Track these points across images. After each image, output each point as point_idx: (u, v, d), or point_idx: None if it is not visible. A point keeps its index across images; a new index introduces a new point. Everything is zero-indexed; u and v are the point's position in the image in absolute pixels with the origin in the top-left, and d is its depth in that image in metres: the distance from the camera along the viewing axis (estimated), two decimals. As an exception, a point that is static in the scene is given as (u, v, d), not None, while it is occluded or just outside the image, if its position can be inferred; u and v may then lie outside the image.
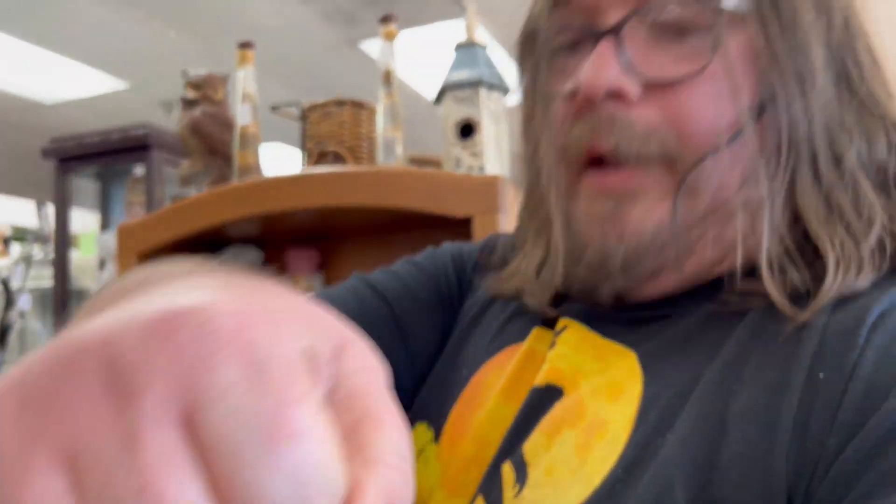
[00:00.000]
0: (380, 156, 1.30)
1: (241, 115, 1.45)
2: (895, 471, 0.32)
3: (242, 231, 1.55)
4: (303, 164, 1.42)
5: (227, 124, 1.51)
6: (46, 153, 1.71)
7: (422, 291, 0.57)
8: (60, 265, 1.71)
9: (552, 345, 0.48)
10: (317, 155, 1.36)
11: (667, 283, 0.46)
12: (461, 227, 1.08)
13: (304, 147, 1.41)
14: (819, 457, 0.35)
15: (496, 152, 1.19)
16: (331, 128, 1.37)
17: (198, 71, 1.52)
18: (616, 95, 0.42)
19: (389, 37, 1.30)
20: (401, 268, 0.60)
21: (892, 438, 0.33)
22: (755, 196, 0.43)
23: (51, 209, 1.86)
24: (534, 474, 0.43)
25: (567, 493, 0.40)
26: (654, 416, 0.40)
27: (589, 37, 0.44)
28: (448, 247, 0.62)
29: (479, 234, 1.06)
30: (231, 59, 1.46)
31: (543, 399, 0.45)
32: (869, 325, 0.37)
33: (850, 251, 0.41)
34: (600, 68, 0.42)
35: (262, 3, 3.25)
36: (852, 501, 0.33)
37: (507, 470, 0.44)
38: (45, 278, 1.83)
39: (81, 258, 1.81)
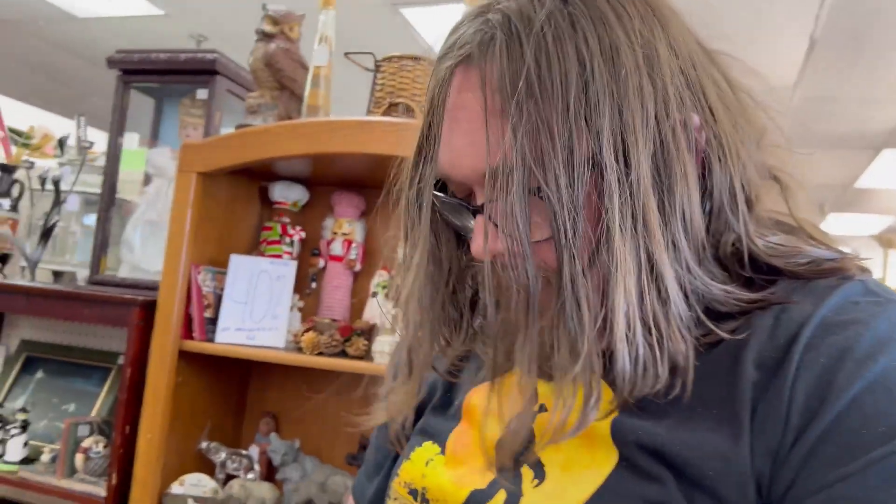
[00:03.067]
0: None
1: (318, 56, 1.49)
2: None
3: (293, 168, 1.61)
4: (367, 112, 1.48)
5: (299, 62, 1.56)
6: (112, 62, 1.75)
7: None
8: (110, 173, 1.75)
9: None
10: (387, 105, 1.41)
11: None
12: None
13: (373, 95, 1.46)
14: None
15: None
16: (403, 81, 1.42)
17: (277, 7, 1.56)
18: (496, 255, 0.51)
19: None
20: None
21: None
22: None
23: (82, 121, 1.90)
24: (551, 471, 0.52)
25: (582, 485, 0.49)
26: (630, 415, 0.50)
27: (467, 208, 0.55)
28: None
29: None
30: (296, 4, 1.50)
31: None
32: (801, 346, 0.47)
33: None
34: (478, 241, 0.51)
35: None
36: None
37: (526, 470, 0.53)
38: (88, 185, 1.88)
39: (122, 172, 1.85)
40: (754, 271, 0.51)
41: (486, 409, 0.58)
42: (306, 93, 1.50)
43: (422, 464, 0.60)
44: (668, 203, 0.47)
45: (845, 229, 7.30)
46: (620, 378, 0.48)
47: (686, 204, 0.48)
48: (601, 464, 0.49)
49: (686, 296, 0.49)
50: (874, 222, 7.05)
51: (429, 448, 0.61)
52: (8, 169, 1.83)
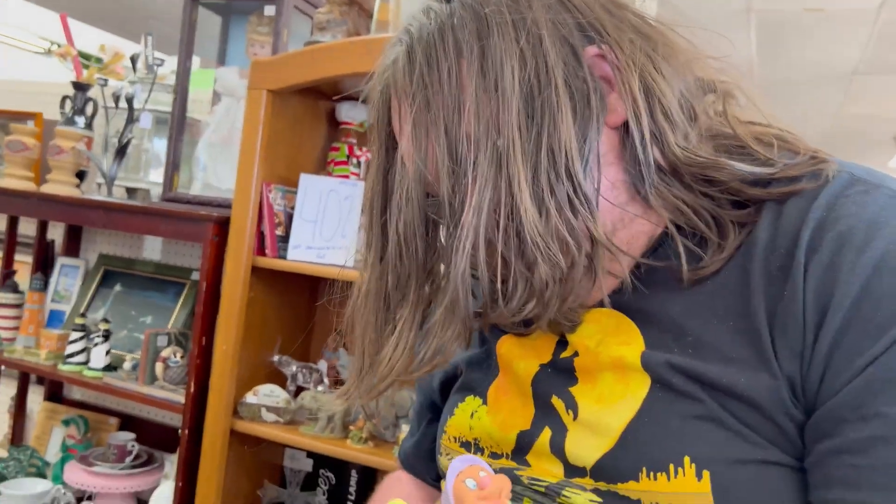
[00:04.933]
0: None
1: (388, -31, 1.45)
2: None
3: (361, 86, 1.59)
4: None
5: (369, -24, 1.52)
6: (179, -21, 1.74)
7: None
8: (181, 91, 1.77)
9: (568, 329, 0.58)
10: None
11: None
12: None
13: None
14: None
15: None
16: None
17: (346, -83, 1.51)
18: None
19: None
20: None
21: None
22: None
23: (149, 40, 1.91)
24: (584, 404, 0.54)
25: (620, 412, 0.51)
26: (666, 358, 0.51)
27: None
28: None
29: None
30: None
31: (568, 360, 0.57)
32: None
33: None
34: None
35: None
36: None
37: (557, 402, 0.56)
38: (160, 103, 1.90)
39: (191, 91, 1.86)
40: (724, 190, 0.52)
41: (514, 354, 0.60)
42: (376, 7, 1.47)
43: (467, 417, 0.62)
44: (537, 135, 0.49)
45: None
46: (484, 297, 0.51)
47: (562, 134, 0.49)
48: (635, 390, 0.51)
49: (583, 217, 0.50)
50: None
51: (471, 402, 0.63)
52: (82, 87, 1.86)
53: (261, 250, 1.54)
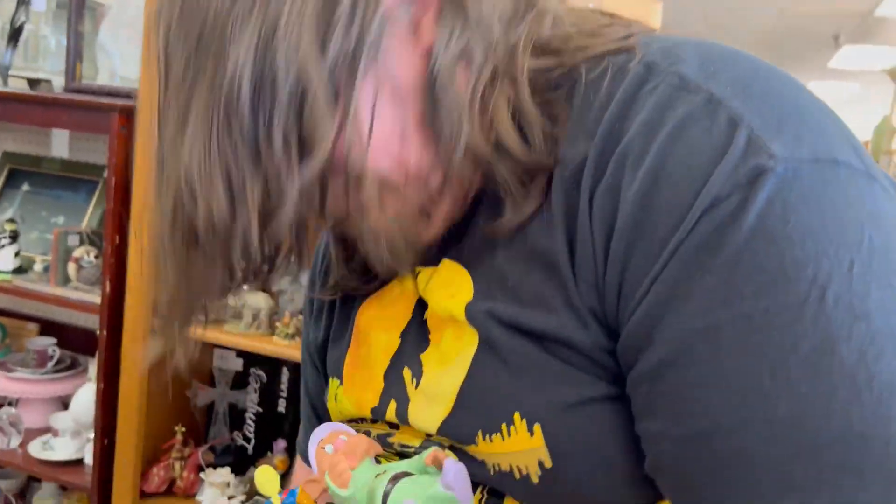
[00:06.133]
0: None
1: None
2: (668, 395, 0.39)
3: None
4: None
5: None
6: None
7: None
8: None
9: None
10: None
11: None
12: None
13: None
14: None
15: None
16: None
17: None
18: None
19: None
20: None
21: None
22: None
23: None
24: (427, 369, 0.51)
25: (452, 375, 0.48)
26: (490, 305, 0.47)
27: None
28: (307, 285, 0.70)
29: None
30: None
31: (422, 325, 0.53)
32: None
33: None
34: None
35: None
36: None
37: (406, 372, 0.52)
38: (57, -16, 1.74)
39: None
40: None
41: (374, 325, 0.57)
42: None
43: (333, 401, 0.60)
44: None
45: (857, 63, 7.04)
46: None
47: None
48: (466, 347, 0.48)
49: None
50: (890, 55, 6.78)
51: (333, 384, 0.60)
52: (-33, -35, 1.69)
53: (173, 142, 1.45)
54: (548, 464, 0.43)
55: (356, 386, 0.57)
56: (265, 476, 0.51)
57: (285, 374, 1.67)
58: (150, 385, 1.53)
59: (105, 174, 1.77)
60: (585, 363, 0.43)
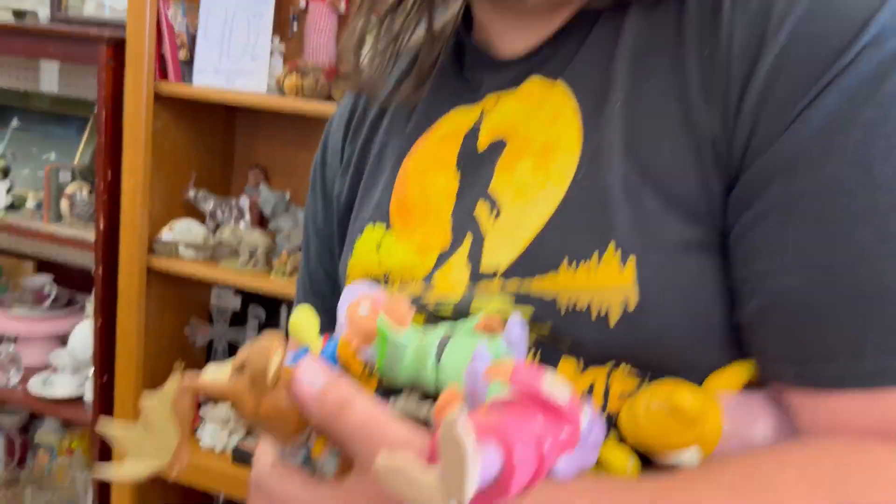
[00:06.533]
0: None
1: None
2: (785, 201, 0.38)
3: None
4: None
5: None
6: None
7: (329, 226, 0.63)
8: None
9: (479, 117, 0.51)
10: None
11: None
12: None
13: None
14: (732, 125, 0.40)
15: None
16: None
17: None
18: None
19: None
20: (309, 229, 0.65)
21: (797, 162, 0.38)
22: None
23: None
24: (504, 201, 0.47)
25: (540, 204, 0.44)
26: (596, 125, 0.44)
27: None
28: (315, 163, 0.65)
29: None
30: None
31: (492, 152, 0.49)
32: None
33: None
34: None
35: None
36: (744, 226, 0.39)
37: (481, 206, 0.48)
38: None
39: None
40: None
41: (421, 169, 0.53)
42: None
43: (372, 251, 0.53)
44: None
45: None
46: None
47: None
48: (559, 176, 0.45)
49: None
50: None
51: (371, 232, 0.54)
52: None
53: (163, 75, 1.41)
54: (632, 305, 0.40)
55: (416, 231, 0.51)
56: (303, 317, 0.39)
57: (284, 313, 1.66)
58: (147, 323, 1.53)
59: (95, 109, 1.73)
60: (690, 201, 0.41)
